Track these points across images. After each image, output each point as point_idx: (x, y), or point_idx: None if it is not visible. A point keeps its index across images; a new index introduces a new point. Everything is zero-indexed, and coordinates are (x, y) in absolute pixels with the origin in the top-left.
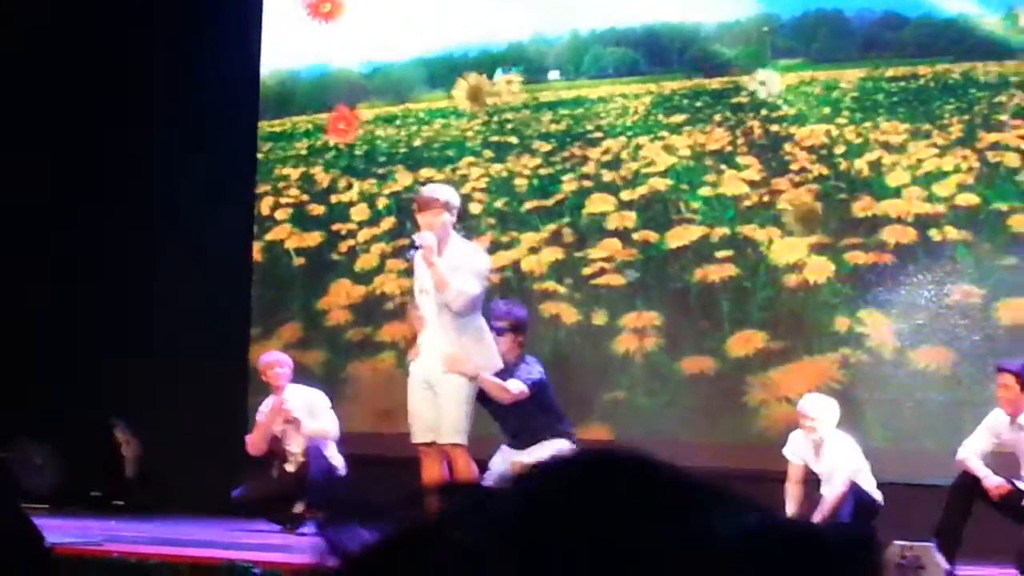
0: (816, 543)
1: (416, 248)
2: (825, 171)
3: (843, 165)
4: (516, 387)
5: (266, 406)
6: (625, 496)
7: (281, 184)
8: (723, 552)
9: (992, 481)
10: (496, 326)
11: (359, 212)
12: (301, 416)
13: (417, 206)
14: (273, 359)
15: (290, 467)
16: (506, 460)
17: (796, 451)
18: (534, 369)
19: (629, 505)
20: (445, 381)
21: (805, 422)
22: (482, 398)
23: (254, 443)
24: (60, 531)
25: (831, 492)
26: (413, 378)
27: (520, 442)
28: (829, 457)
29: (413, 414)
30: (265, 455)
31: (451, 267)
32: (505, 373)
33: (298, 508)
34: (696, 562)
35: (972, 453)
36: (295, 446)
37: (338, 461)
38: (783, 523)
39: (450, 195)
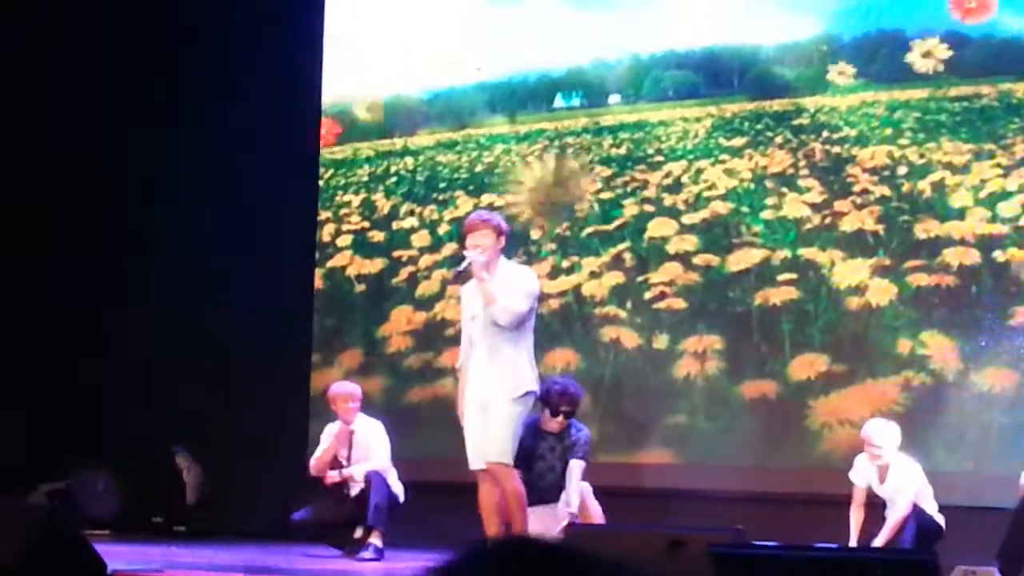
0: None
1: (465, 267)
2: (888, 192)
3: (905, 186)
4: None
5: (331, 429)
6: None
7: (342, 211)
8: None
9: None
10: (562, 409)
11: (420, 238)
12: (364, 448)
13: (466, 229)
14: (347, 392)
15: (351, 492)
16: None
17: (861, 475)
18: (582, 435)
19: None
20: (497, 403)
21: (871, 449)
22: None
23: (317, 467)
24: (122, 557)
25: (894, 515)
26: (468, 405)
27: (551, 496)
28: (893, 481)
29: (469, 441)
30: (325, 480)
31: (501, 288)
32: (556, 439)
33: (358, 533)
34: None
35: None
36: (357, 473)
37: (398, 488)
38: None
39: (499, 219)
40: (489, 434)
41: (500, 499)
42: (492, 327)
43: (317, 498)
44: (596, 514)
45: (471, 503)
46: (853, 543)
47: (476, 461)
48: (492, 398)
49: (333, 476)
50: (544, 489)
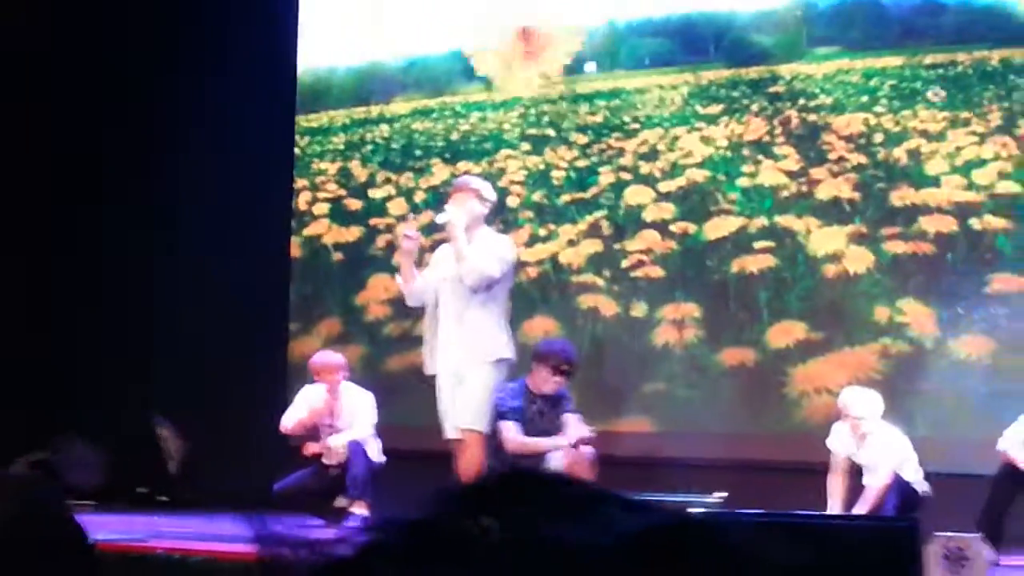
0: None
1: (441, 219)
2: (864, 160)
3: (881, 154)
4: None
5: (311, 392)
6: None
7: (319, 179)
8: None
9: None
10: (562, 368)
11: (397, 206)
12: (347, 418)
13: (452, 191)
14: (332, 363)
15: (332, 461)
16: None
17: (840, 443)
18: (566, 394)
19: (535, 508)
20: (473, 370)
21: (849, 419)
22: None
23: (295, 426)
24: (105, 528)
25: (875, 483)
26: (440, 373)
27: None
28: (874, 448)
29: (444, 410)
30: (308, 453)
31: (476, 252)
32: (546, 403)
33: (340, 503)
34: (601, 557)
35: (1013, 443)
36: (337, 444)
37: (379, 457)
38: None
39: (484, 186)
40: (461, 400)
41: (481, 467)
42: (461, 289)
43: (298, 468)
44: (588, 462)
45: (451, 471)
46: (834, 511)
47: (452, 430)
48: (463, 363)
49: (314, 447)
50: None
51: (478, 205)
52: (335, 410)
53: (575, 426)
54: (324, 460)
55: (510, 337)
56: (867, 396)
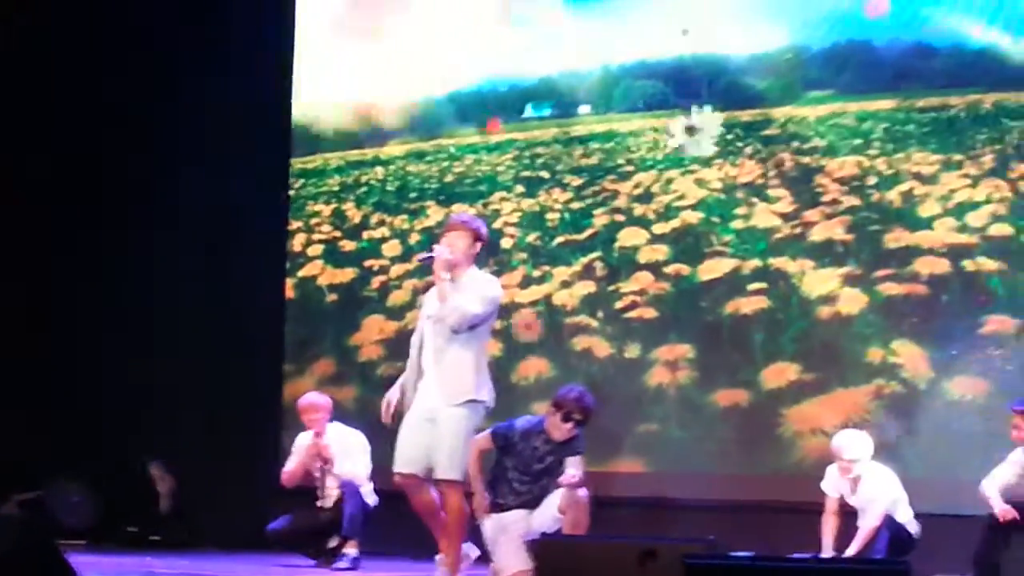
0: None
1: (429, 257)
2: (857, 202)
3: (875, 196)
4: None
5: (302, 440)
6: None
7: (313, 220)
8: None
9: (1002, 508)
10: (574, 417)
11: (391, 248)
12: (337, 458)
13: (445, 228)
14: (313, 403)
15: (326, 503)
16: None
17: (833, 485)
18: (581, 440)
19: None
20: (442, 412)
21: (841, 463)
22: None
23: (289, 478)
24: (96, 568)
25: (865, 526)
26: (412, 413)
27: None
28: (865, 491)
29: (404, 445)
30: (301, 490)
31: (460, 290)
32: (558, 447)
33: (333, 543)
34: None
35: (993, 485)
36: (331, 483)
37: (371, 498)
38: None
39: (478, 224)
40: (438, 447)
41: (432, 500)
42: (442, 328)
43: (291, 508)
44: (583, 504)
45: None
46: (827, 553)
47: (408, 466)
48: (436, 407)
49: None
50: (539, 497)
51: (469, 242)
52: (323, 452)
53: (572, 468)
54: (318, 502)
55: (487, 379)
56: (858, 439)
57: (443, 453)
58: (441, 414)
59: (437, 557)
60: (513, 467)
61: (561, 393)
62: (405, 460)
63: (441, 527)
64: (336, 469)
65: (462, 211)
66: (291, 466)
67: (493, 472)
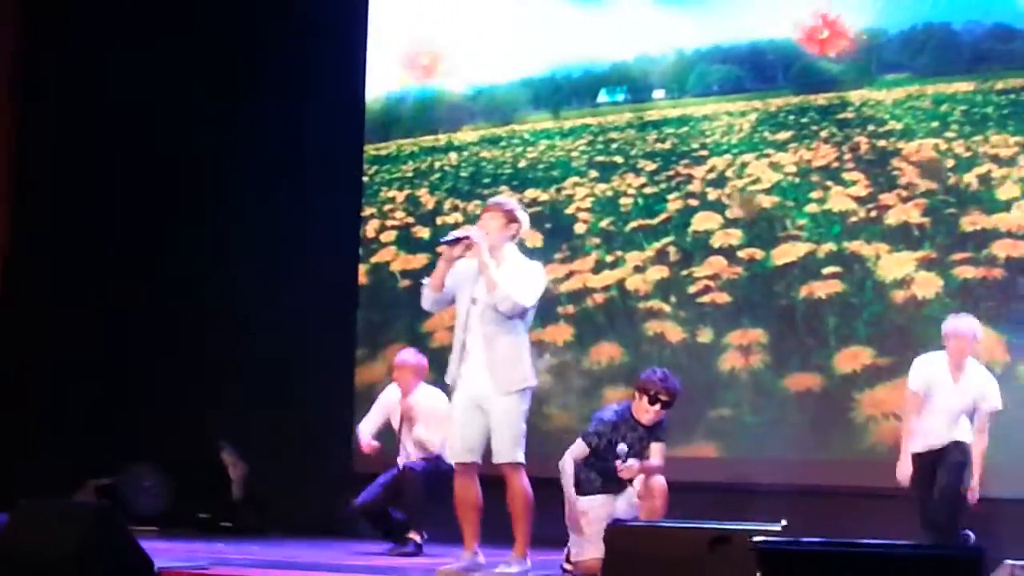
0: None
1: (456, 240)
2: (933, 186)
3: (952, 179)
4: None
5: (389, 395)
6: None
7: (387, 207)
8: None
9: None
10: (660, 398)
11: None
12: (421, 419)
13: (481, 212)
14: (406, 361)
15: (406, 461)
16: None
17: (923, 379)
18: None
19: None
20: (497, 400)
21: (964, 344)
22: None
23: (367, 430)
24: (168, 554)
25: (979, 445)
26: (460, 398)
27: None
28: (975, 380)
29: (459, 435)
30: (362, 447)
31: (507, 277)
32: (645, 430)
33: (410, 534)
34: None
35: None
36: (410, 446)
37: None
38: None
39: (512, 205)
40: (496, 435)
41: (477, 495)
42: (492, 314)
43: (370, 484)
44: (660, 491)
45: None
46: (910, 452)
47: (463, 455)
48: (489, 395)
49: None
50: (623, 482)
51: (504, 224)
52: (409, 411)
53: (655, 455)
54: (398, 458)
55: (533, 363)
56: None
57: (503, 440)
58: (495, 403)
59: (461, 553)
60: (600, 455)
61: (645, 376)
62: (462, 449)
63: (475, 510)
64: (417, 432)
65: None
66: (372, 418)
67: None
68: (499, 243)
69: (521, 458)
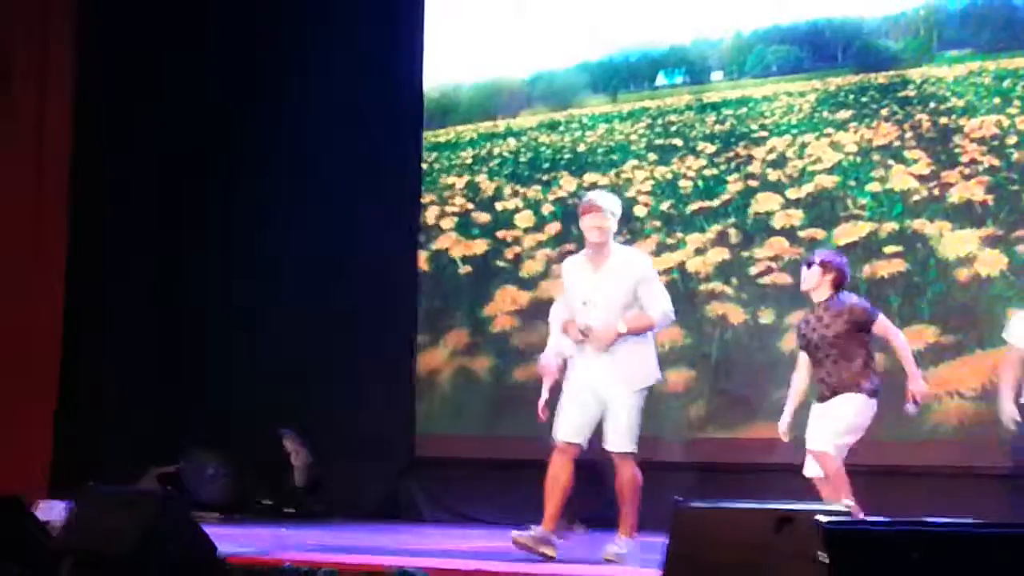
0: None
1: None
2: (996, 162)
3: (1016, 156)
4: None
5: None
6: None
7: (446, 193)
8: None
9: None
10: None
11: (524, 219)
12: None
13: (580, 211)
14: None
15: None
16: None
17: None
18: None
19: None
20: (617, 392)
21: None
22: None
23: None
24: (231, 540)
25: None
26: (577, 381)
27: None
28: None
29: (571, 415)
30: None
31: (614, 271)
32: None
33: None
34: None
35: None
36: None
37: None
38: None
39: (613, 201)
40: (613, 426)
41: (570, 477)
42: (612, 316)
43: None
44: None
45: (580, 481)
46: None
47: (570, 435)
48: (612, 390)
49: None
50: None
51: (610, 221)
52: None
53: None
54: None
55: (657, 357)
56: None
57: (619, 431)
58: (620, 400)
59: (533, 528)
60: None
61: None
62: (572, 429)
63: (563, 492)
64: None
65: (595, 180)
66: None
67: None
68: (605, 240)
69: (635, 448)
